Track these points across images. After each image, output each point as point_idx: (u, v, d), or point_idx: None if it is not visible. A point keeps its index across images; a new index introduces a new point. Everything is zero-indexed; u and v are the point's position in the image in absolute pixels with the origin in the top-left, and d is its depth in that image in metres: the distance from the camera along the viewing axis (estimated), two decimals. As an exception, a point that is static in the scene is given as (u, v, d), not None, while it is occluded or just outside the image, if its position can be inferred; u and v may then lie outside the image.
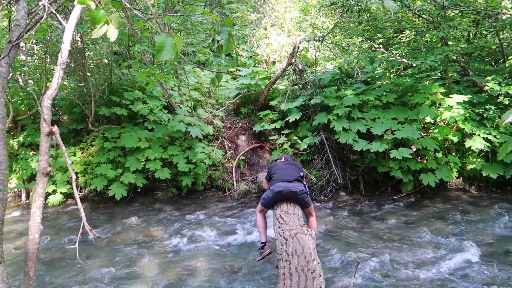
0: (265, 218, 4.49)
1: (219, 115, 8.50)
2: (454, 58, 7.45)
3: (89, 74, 6.97)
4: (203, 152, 7.39)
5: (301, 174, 4.65)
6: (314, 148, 7.62)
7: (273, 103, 8.46)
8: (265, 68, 11.57)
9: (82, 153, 7.55)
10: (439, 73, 7.98)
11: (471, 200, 6.78)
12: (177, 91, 8.27)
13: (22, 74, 7.79)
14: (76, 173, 7.26)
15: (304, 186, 4.51)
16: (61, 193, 6.99)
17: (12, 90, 7.54)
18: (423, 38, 7.69)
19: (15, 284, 3.86)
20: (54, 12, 1.70)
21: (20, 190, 7.53)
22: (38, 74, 7.76)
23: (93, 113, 7.34)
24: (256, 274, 4.18)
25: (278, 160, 5.18)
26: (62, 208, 6.89)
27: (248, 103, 9.09)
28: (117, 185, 6.89)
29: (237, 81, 9.54)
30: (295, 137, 7.60)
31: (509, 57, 7.02)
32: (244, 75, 9.04)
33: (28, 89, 7.50)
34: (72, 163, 7.24)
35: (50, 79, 7.55)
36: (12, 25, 6.76)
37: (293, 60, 8.07)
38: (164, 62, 7.34)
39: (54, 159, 7.14)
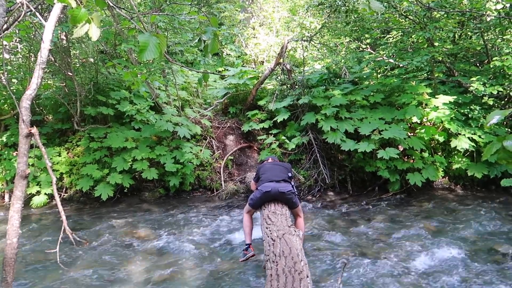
0: (252, 219, 4.48)
1: (207, 115, 8.46)
2: (440, 59, 7.53)
3: (74, 73, 6.85)
4: (191, 152, 7.33)
5: (290, 174, 4.65)
6: (302, 148, 7.63)
7: (261, 103, 8.45)
8: (253, 68, 11.55)
9: (67, 153, 7.42)
10: (426, 74, 8.06)
11: (456, 199, 6.86)
12: (164, 91, 8.19)
13: (6, 73, 7.63)
14: (61, 174, 7.14)
15: (292, 186, 4.51)
16: (45, 194, 6.87)
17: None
18: (410, 39, 7.76)
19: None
20: (34, 10, 1.66)
21: (4, 191, 7.38)
22: (22, 73, 7.61)
23: (78, 113, 7.22)
24: (244, 275, 4.16)
25: (266, 161, 5.18)
26: (46, 209, 6.77)
27: (236, 103, 9.06)
28: (103, 186, 6.80)
29: (225, 80, 9.50)
30: (283, 137, 7.60)
31: (494, 58, 7.11)
32: (232, 75, 9.01)
33: (11, 88, 7.34)
34: (57, 163, 7.12)
35: (34, 78, 7.42)
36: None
37: (281, 60, 8.06)
38: (151, 61, 7.26)
39: (39, 159, 7.01)
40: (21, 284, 3.99)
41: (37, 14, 1.74)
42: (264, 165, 4.88)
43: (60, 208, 1.87)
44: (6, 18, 1.75)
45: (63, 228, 1.88)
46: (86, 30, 1.64)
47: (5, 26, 1.79)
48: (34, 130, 1.82)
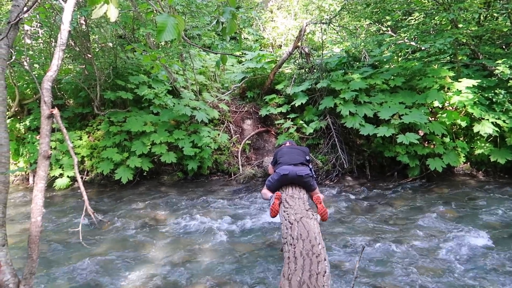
0: None
1: (224, 99, 8.45)
2: (464, 41, 7.28)
3: (93, 58, 6.92)
4: (208, 136, 7.38)
5: (307, 158, 4.64)
6: (320, 132, 7.57)
7: (279, 87, 8.39)
8: (271, 52, 11.43)
9: (88, 137, 7.57)
10: (448, 57, 7.82)
11: (478, 185, 6.72)
12: (182, 75, 8.21)
13: (28, 58, 7.77)
14: (83, 157, 7.29)
15: (310, 170, 4.50)
16: (68, 176, 7.05)
17: (18, 74, 7.53)
18: (433, 21, 7.53)
19: (19, 267, 3.92)
20: (53, -9, 1.66)
21: (28, 173, 7.60)
22: (43, 58, 7.74)
23: (98, 97, 7.33)
24: (261, 258, 4.20)
25: (283, 145, 5.18)
26: (69, 191, 6.96)
27: (254, 87, 9.02)
28: (123, 169, 6.92)
29: (243, 64, 9.45)
30: (301, 122, 7.55)
31: (521, 40, 6.86)
32: (250, 59, 8.94)
33: (33, 72, 7.48)
34: (79, 146, 7.27)
35: (55, 62, 7.53)
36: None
37: (299, 44, 7.95)
38: (169, 45, 7.27)
39: (61, 143, 7.17)
40: (44, 262, 4.12)
41: (57, -5, 1.75)
42: (281, 149, 4.88)
43: (82, 188, 1.91)
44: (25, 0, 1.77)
45: (85, 208, 1.92)
46: (105, 11, 1.64)
47: (25, 9, 1.81)
48: (55, 111, 1.84)
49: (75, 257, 4.29)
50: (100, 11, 1.62)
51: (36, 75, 7.82)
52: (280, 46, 12.89)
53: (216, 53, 6.89)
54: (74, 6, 1.76)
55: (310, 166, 4.62)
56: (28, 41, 7.41)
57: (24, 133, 7.72)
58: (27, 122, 7.57)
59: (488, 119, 6.55)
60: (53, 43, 7.69)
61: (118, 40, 8.11)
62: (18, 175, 7.72)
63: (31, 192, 6.98)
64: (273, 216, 4.07)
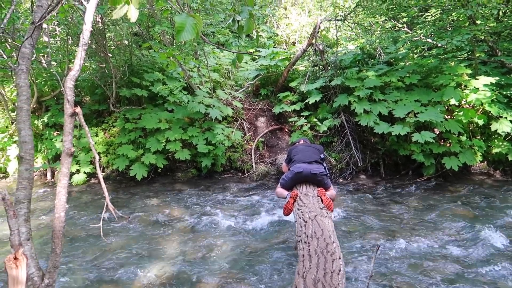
0: None
1: (238, 97, 8.48)
2: (482, 37, 7.15)
3: (110, 55, 7.01)
4: (222, 133, 7.41)
5: (322, 156, 4.63)
6: (334, 130, 7.54)
7: (292, 84, 8.37)
8: (284, 49, 11.41)
9: (104, 133, 7.68)
10: (466, 54, 7.69)
11: (495, 185, 6.62)
12: (196, 72, 8.26)
13: (45, 56, 7.91)
14: (99, 153, 7.41)
15: (324, 168, 4.49)
16: (84, 172, 7.17)
17: (36, 71, 7.67)
18: (450, 17, 7.40)
19: (43, 260, 4.01)
20: (76, -8, 1.70)
21: (46, 169, 7.75)
22: (60, 56, 7.87)
23: (114, 94, 7.43)
24: (275, 256, 4.22)
25: (297, 143, 5.18)
26: (85, 187, 7.08)
27: (267, 85, 9.02)
28: (138, 166, 7.01)
29: (257, 62, 9.45)
30: (314, 119, 7.53)
31: (541, 37, 6.71)
32: (264, 56, 8.94)
33: (51, 70, 7.62)
34: (95, 143, 7.38)
35: (72, 60, 7.65)
36: (34, 7, 6.85)
37: (313, 41, 7.92)
38: (183, 43, 7.32)
39: (77, 139, 7.30)
40: (64, 256, 4.22)
41: (79, -4, 1.79)
42: (296, 147, 4.88)
43: (103, 185, 1.95)
44: (49, 2, 1.81)
45: (105, 204, 1.96)
46: (125, 12, 1.67)
47: (49, 9, 1.85)
48: (78, 109, 1.89)
49: (92, 251, 4.37)
50: (121, 11, 1.65)
51: (54, 72, 7.97)
52: (294, 43, 12.85)
53: (230, 51, 6.91)
54: (96, 5, 1.80)
55: (325, 165, 4.61)
56: (46, 39, 7.53)
57: (42, 130, 7.87)
58: (45, 119, 7.72)
59: (506, 118, 6.44)
60: (70, 41, 7.82)
61: (133, 37, 8.19)
62: (36, 171, 7.88)
63: (49, 187, 7.15)
64: (286, 214, 4.09)
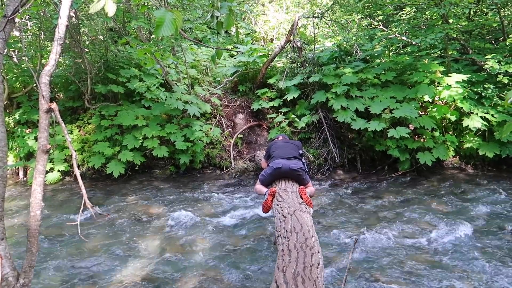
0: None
1: (216, 93, 8.44)
2: (454, 36, 7.36)
3: (86, 50, 6.85)
4: (200, 130, 7.37)
5: (300, 152, 4.67)
6: (312, 126, 7.61)
7: (271, 81, 8.40)
8: (263, 46, 11.42)
9: (79, 131, 7.50)
10: (439, 52, 7.90)
11: (467, 179, 6.84)
12: (174, 68, 8.17)
13: (17, 51, 7.65)
14: (74, 151, 7.23)
15: (303, 163, 4.53)
16: (58, 171, 7.00)
17: (7, 67, 7.42)
18: (424, 16, 7.59)
19: (17, 261, 3.90)
20: (50, -15, 1.66)
21: (18, 168, 7.52)
22: (32, 51, 7.63)
23: (89, 91, 7.27)
24: (254, 251, 4.24)
25: (276, 139, 5.20)
26: (60, 185, 6.91)
27: (246, 81, 9.01)
28: (115, 163, 6.89)
29: (235, 58, 9.43)
30: (293, 116, 7.58)
31: (510, 35, 6.95)
32: (242, 53, 8.93)
33: (23, 66, 7.39)
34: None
35: (45, 55, 7.44)
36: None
37: (291, 38, 7.96)
38: (160, 39, 7.22)
39: (52, 137, 7.10)
40: (40, 256, 4.11)
41: (54, -11, 1.74)
42: (275, 143, 4.90)
43: (80, 182, 1.92)
44: (22, -6, 1.76)
45: (83, 201, 1.93)
46: (102, 6, 1.64)
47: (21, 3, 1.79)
48: (54, 105, 1.85)
49: (68, 251, 4.28)
50: (98, 5, 1.62)
51: (25, 68, 7.73)
52: (272, 40, 12.88)
53: (209, 47, 6.87)
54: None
55: (303, 160, 4.66)
56: (17, 33, 7.29)
57: (13, 127, 7.63)
58: (17, 116, 7.48)
59: (477, 114, 6.66)
60: (42, 35, 7.59)
61: (108, 33, 8.03)
62: (9, 170, 7.64)
63: (21, 186, 6.95)
64: (265, 212, 4.11)
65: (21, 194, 6.52)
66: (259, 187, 4.52)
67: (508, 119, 6.44)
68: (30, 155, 7.30)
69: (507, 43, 6.91)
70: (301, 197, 4.04)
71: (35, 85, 7.69)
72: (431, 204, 5.57)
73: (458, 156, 7.56)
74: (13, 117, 7.58)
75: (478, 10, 8.02)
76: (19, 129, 7.43)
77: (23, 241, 4.47)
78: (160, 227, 4.97)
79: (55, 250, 4.32)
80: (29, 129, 7.51)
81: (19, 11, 1.75)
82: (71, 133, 7.35)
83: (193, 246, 4.40)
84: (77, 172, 1.91)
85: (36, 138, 7.25)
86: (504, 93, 6.79)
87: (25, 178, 7.43)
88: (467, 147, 7.00)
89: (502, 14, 7.59)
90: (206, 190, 6.54)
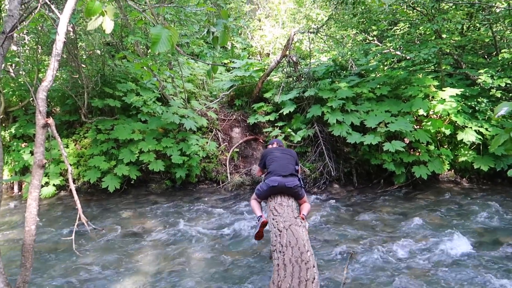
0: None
1: (213, 107, 8.48)
2: (448, 51, 7.48)
3: (83, 65, 6.88)
4: (197, 144, 7.38)
5: (296, 167, 4.66)
6: (308, 140, 7.64)
7: (267, 95, 8.46)
8: (259, 60, 11.53)
9: (75, 145, 7.50)
10: (433, 66, 8.01)
11: (462, 192, 6.86)
12: (171, 82, 8.22)
13: (13, 65, 7.69)
14: (69, 165, 7.21)
15: (299, 179, 4.54)
16: (53, 185, 6.96)
17: (3, 81, 7.44)
18: (417, 31, 7.71)
19: (11, 276, 3.86)
20: (48, 2, 1.69)
21: (13, 182, 7.48)
22: (29, 65, 7.67)
23: (86, 105, 7.29)
24: (250, 266, 4.21)
25: (271, 146, 5.16)
26: (54, 200, 6.87)
27: (242, 95, 9.07)
28: (111, 177, 6.87)
29: (231, 73, 9.51)
30: (289, 130, 7.62)
31: (502, 50, 7.07)
32: (238, 67, 9.01)
33: (20, 80, 7.41)
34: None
35: (42, 70, 7.47)
36: (3, 15, 6.67)
37: (287, 52, 8.04)
38: (157, 53, 7.28)
39: (47, 151, 7.09)
40: (34, 271, 4.06)
41: (52, 6, 1.77)
42: (271, 152, 4.82)
43: (76, 196, 1.92)
44: (21, 11, 1.78)
45: (78, 216, 1.93)
46: (100, 23, 1.67)
47: (20, 19, 1.82)
48: (51, 121, 1.86)
49: (63, 266, 4.24)
50: (95, 22, 1.65)
51: (22, 82, 7.75)
52: (268, 55, 13.01)
53: (205, 63, 6.94)
54: (70, 15, 1.78)
55: (299, 176, 4.66)
56: (15, 48, 7.33)
57: (9, 141, 7.60)
58: (13, 130, 7.47)
59: (471, 127, 6.72)
60: (39, 50, 7.63)
61: (105, 47, 8.09)
62: (4, 184, 7.59)
63: (16, 200, 6.90)
64: (257, 239, 4.30)
65: (15, 209, 6.47)
66: (254, 203, 4.52)
67: (501, 132, 6.48)
68: (25, 170, 7.27)
69: (500, 58, 7.02)
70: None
71: (31, 99, 7.70)
72: (427, 218, 5.57)
73: (453, 170, 7.59)
74: (9, 131, 7.57)
75: (470, 25, 8.17)
76: (14, 143, 7.41)
77: (17, 256, 4.42)
78: (155, 242, 4.93)
79: (49, 266, 4.27)
80: (24, 143, 7.50)
81: (18, 28, 1.78)
82: (67, 147, 7.34)
83: (189, 261, 4.36)
84: (72, 186, 1.91)
85: (31, 152, 7.23)
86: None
87: (19, 193, 7.38)
88: (462, 161, 7.04)
89: (494, 30, 7.74)
90: (202, 204, 6.51)
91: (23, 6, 1.90)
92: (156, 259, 4.42)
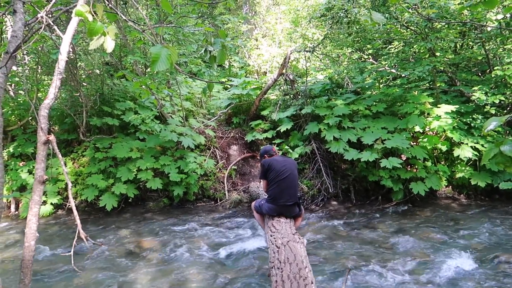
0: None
1: (210, 125, 8.54)
2: (442, 68, 7.61)
3: (84, 84, 6.95)
4: (194, 162, 7.40)
5: (297, 188, 4.58)
6: (306, 157, 7.68)
7: (264, 113, 8.53)
8: (256, 79, 11.66)
9: (73, 163, 7.50)
10: (428, 83, 8.13)
11: (460, 208, 6.87)
12: (169, 101, 8.30)
13: (13, 85, 7.75)
14: (67, 184, 7.19)
15: (299, 206, 4.53)
16: (51, 203, 6.93)
17: (3, 100, 7.48)
18: (411, 49, 7.86)
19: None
20: (52, 23, 1.75)
21: (9, 201, 7.45)
22: (29, 85, 7.74)
23: (84, 124, 7.32)
24: (249, 283, 4.18)
25: (270, 156, 4.75)
26: (52, 218, 6.83)
27: (239, 113, 9.15)
28: (108, 196, 6.85)
29: (229, 91, 9.61)
30: (286, 147, 7.66)
31: (495, 68, 7.19)
32: (236, 85, 9.11)
33: (19, 99, 7.46)
34: (63, 173, 7.19)
35: (41, 89, 7.54)
36: (4, 36, 6.77)
37: (284, 71, 8.16)
38: (156, 72, 7.38)
39: (46, 169, 7.08)
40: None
41: (55, 27, 1.83)
42: (272, 164, 4.48)
43: (75, 212, 1.94)
44: (25, 32, 1.84)
45: (77, 232, 1.94)
46: (102, 42, 1.72)
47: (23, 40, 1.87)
48: (52, 137, 1.89)
49: (61, 284, 4.20)
50: (97, 42, 1.70)
51: (21, 101, 7.81)
52: (265, 73, 13.17)
53: (203, 81, 7.03)
54: (72, 36, 1.84)
55: (299, 201, 4.61)
56: (14, 68, 7.41)
57: (7, 160, 7.61)
58: (11, 149, 7.48)
59: (467, 144, 6.78)
60: (39, 70, 7.71)
61: (105, 67, 8.19)
62: (3, 200, 7.55)
63: (13, 220, 6.86)
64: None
65: (12, 228, 6.43)
66: (258, 217, 4.68)
67: (492, 146, 6.54)
68: (23, 188, 7.25)
69: (493, 75, 7.13)
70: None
71: (30, 118, 7.74)
72: (425, 234, 5.56)
73: (450, 186, 7.62)
74: (7, 150, 7.58)
75: (464, 43, 8.33)
76: (12, 162, 7.42)
77: (14, 275, 4.38)
78: (153, 260, 4.90)
79: (47, 284, 4.23)
80: (22, 162, 7.50)
81: (22, 48, 1.83)
82: (65, 165, 7.33)
83: (187, 280, 4.33)
84: (72, 201, 1.93)
85: (29, 171, 7.23)
86: (492, 123, 6.94)
87: (16, 212, 7.33)
88: (459, 177, 7.07)
89: (487, 48, 7.89)
90: (200, 222, 6.49)
91: (26, 27, 1.96)
92: (153, 278, 4.39)
